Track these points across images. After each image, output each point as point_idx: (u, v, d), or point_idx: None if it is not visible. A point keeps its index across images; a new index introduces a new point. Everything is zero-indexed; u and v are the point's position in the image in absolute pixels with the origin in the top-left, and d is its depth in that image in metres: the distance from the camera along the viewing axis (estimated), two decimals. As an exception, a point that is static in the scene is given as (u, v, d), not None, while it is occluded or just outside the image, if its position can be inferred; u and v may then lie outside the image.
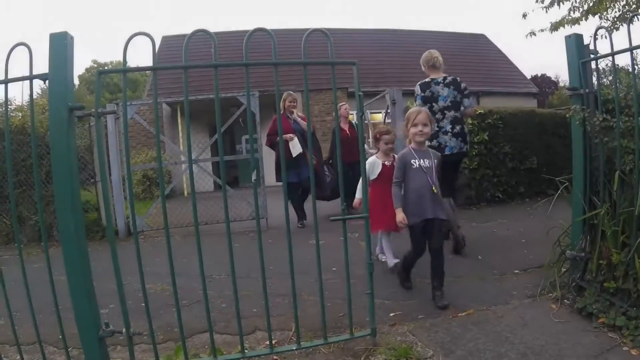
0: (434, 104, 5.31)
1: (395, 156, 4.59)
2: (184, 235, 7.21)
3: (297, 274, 2.87)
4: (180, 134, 16.74)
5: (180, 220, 7.84)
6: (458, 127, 5.31)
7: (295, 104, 7.76)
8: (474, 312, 3.45)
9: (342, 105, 8.27)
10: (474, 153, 8.45)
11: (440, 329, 3.22)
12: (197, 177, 2.86)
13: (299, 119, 7.70)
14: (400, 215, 3.76)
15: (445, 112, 5.32)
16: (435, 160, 3.84)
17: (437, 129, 5.23)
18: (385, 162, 4.70)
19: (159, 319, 3.46)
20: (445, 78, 5.43)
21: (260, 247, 2.77)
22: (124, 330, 2.57)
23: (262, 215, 7.43)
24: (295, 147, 7.34)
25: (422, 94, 5.39)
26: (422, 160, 3.79)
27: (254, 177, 2.97)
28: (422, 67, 5.67)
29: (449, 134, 5.29)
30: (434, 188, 3.71)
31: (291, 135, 7.32)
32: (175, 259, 2.64)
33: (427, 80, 5.46)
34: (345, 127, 8.29)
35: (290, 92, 7.81)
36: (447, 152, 5.20)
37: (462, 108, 5.39)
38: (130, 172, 2.68)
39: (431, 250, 3.81)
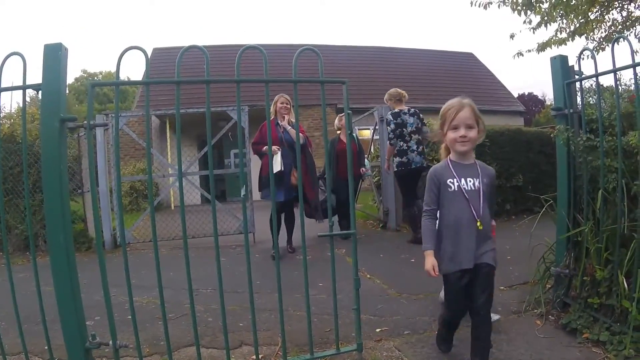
0: (403, 129, 6.78)
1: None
2: (170, 248, 7.19)
3: (284, 289, 2.87)
4: (169, 147, 16.71)
5: (167, 233, 7.82)
6: (421, 147, 6.88)
7: (289, 106, 6.48)
8: (459, 328, 3.48)
9: (343, 115, 8.12)
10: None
11: (426, 344, 3.23)
12: (185, 191, 2.87)
13: (290, 127, 6.40)
14: (429, 261, 2.67)
15: (412, 135, 6.82)
16: (485, 180, 2.71)
17: (406, 147, 6.77)
18: None
19: (145, 332, 3.44)
20: (409, 109, 6.94)
21: (248, 262, 2.78)
22: (110, 342, 2.57)
23: (250, 229, 7.42)
24: (277, 163, 6.11)
25: (395, 121, 6.81)
26: (463, 180, 2.69)
27: (243, 192, 2.98)
28: (389, 100, 7.11)
29: (415, 152, 6.80)
30: (479, 223, 2.63)
31: (275, 148, 6.08)
32: (162, 272, 2.64)
33: (396, 111, 6.90)
34: (342, 139, 7.85)
35: (283, 94, 6.55)
36: (413, 166, 6.79)
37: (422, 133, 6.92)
38: (120, 184, 2.69)
39: (472, 312, 2.71)
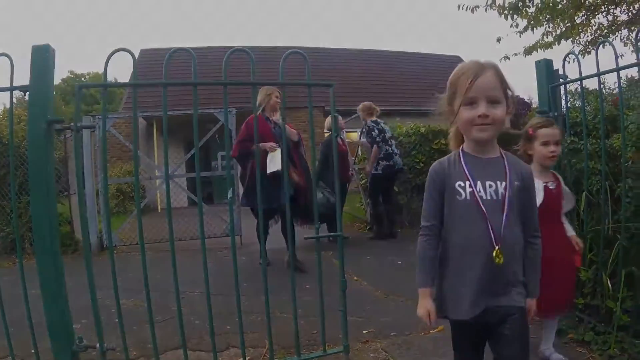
0: (385, 134, 7.45)
1: (557, 175, 2.84)
2: (157, 251, 7.15)
3: (270, 292, 2.88)
4: (156, 149, 16.62)
5: (154, 236, 7.78)
6: (399, 151, 7.74)
7: (280, 101, 5.24)
8: (444, 329, 3.50)
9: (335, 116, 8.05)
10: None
11: (413, 345, 3.25)
12: (171, 193, 2.87)
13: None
14: (423, 305, 1.88)
15: (391, 140, 7.58)
16: (517, 183, 1.83)
17: (391, 151, 7.41)
18: (548, 184, 2.71)
19: (131, 335, 3.42)
20: (381, 121, 7.71)
21: (234, 264, 2.79)
22: (97, 345, 2.56)
23: (236, 232, 7.40)
24: (275, 161, 5.27)
25: (377, 127, 7.46)
26: (480, 184, 1.82)
27: (230, 194, 2.98)
28: (362, 112, 7.78)
29: (397, 155, 7.52)
30: (496, 253, 1.75)
31: (273, 144, 5.31)
32: (149, 274, 2.64)
33: (374, 120, 7.61)
34: (338, 140, 7.39)
35: (277, 88, 5.68)
36: (396, 167, 7.44)
37: None
38: (106, 186, 2.68)
39: None
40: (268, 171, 5.17)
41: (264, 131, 5.32)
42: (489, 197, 1.80)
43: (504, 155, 1.90)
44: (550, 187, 2.70)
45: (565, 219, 2.81)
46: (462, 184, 1.82)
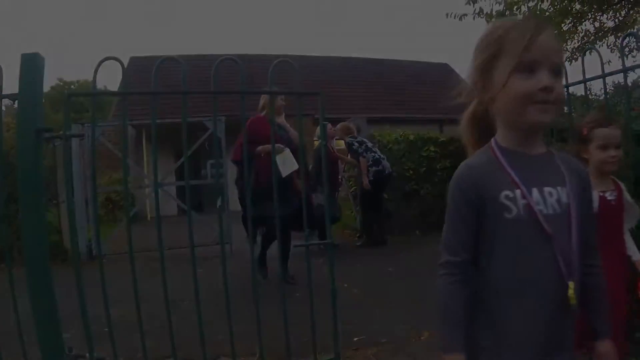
0: (366, 144, 7.74)
1: (618, 182, 2.33)
2: (146, 260, 7.11)
3: (261, 300, 2.88)
4: (145, 157, 16.56)
5: (143, 244, 7.72)
6: (385, 156, 7.85)
7: (285, 104, 5.52)
8: (435, 335, 3.51)
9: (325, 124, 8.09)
10: (435, 180, 8.63)
11: (403, 352, 3.26)
12: (161, 202, 2.88)
13: (287, 124, 5.52)
14: None
15: (375, 148, 7.83)
16: (576, 188, 1.27)
17: (379, 156, 7.63)
18: (606, 194, 2.22)
19: (121, 344, 3.38)
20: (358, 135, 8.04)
21: (224, 273, 2.79)
22: (87, 354, 2.55)
23: (226, 240, 7.38)
24: (287, 163, 4.90)
25: (356, 139, 7.80)
26: (537, 191, 1.23)
27: (219, 203, 2.99)
28: (339, 131, 8.06)
29: (385, 159, 7.68)
30: (572, 290, 1.19)
31: (279, 145, 4.81)
32: (138, 284, 2.64)
33: (351, 135, 7.91)
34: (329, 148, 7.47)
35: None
36: (386, 172, 7.59)
37: None
38: (95, 195, 2.67)
39: None
40: (284, 174, 4.84)
41: (268, 132, 4.85)
42: (551, 211, 1.23)
43: (552, 151, 1.35)
44: (609, 198, 2.20)
45: (630, 237, 2.31)
46: (511, 194, 1.23)
